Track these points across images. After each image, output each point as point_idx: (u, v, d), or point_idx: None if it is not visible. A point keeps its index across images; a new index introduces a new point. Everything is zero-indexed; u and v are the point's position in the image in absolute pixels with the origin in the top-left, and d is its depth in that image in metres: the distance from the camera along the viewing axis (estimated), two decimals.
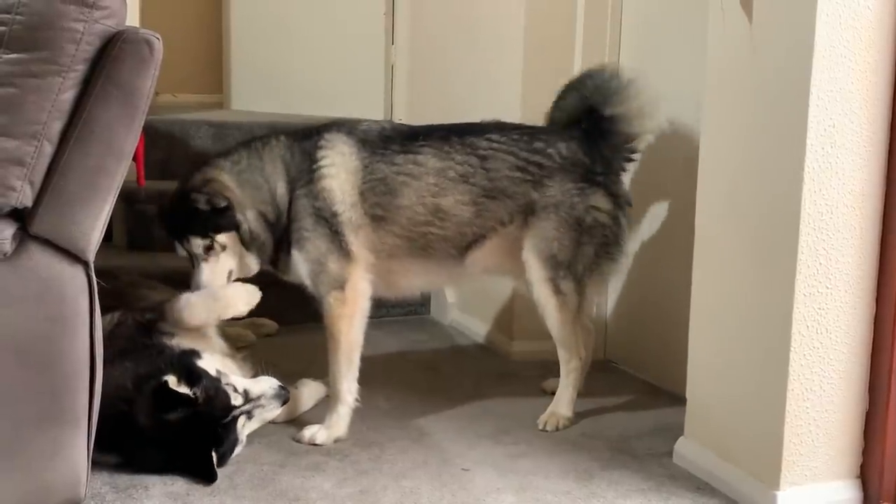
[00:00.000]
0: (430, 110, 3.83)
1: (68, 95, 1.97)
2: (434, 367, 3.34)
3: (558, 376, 2.85)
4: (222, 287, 2.64)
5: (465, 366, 3.35)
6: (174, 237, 2.70)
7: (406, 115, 4.14)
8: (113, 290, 2.63)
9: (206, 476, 2.33)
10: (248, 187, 2.66)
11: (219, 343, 2.69)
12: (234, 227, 2.63)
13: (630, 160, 2.84)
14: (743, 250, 2.32)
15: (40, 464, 1.97)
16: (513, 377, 3.20)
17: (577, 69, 3.17)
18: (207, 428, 2.35)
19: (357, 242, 2.66)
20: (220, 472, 2.36)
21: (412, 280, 2.84)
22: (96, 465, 2.21)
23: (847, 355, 2.25)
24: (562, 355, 2.80)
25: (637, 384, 3.18)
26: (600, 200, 2.75)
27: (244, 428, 2.45)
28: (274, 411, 2.52)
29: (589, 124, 2.80)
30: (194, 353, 2.44)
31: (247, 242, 2.66)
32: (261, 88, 4.77)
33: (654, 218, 3.14)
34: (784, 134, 2.18)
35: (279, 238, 2.69)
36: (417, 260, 2.75)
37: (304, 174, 2.66)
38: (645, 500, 2.33)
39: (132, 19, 2.62)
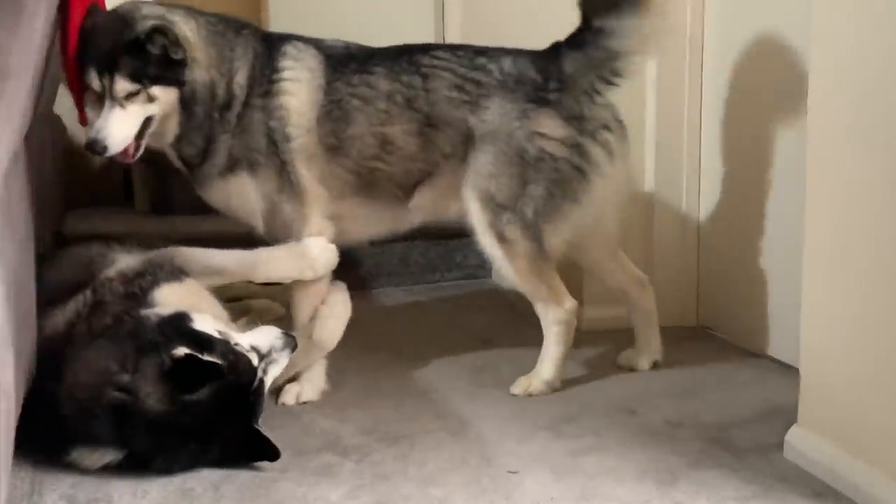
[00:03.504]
0: None
1: None
2: (489, 339, 2.90)
3: (635, 347, 2.59)
4: (306, 243, 2.38)
5: (525, 338, 2.81)
6: (91, 64, 2.23)
7: None
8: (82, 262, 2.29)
9: (265, 456, 2.00)
10: (213, 49, 2.33)
11: (213, 305, 2.27)
12: (179, 84, 2.27)
13: (609, 83, 2.34)
14: (867, 181, 1.85)
15: None
16: (581, 351, 2.69)
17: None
18: (241, 400, 1.99)
19: (309, 176, 2.38)
20: (204, 477, 1.96)
21: (360, 226, 2.51)
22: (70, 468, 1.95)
23: None
24: (537, 309, 2.47)
25: (736, 354, 2.75)
26: (548, 125, 2.32)
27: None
28: (284, 363, 2.14)
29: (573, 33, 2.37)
30: (184, 317, 2.03)
31: (186, 103, 2.29)
32: None
33: (754, 161, 2.69)
34: None
35: (208, 133, 2.34)
36: (365, 201, 2.45)
37: (264, 81, 2.36)
38: None
39: None
